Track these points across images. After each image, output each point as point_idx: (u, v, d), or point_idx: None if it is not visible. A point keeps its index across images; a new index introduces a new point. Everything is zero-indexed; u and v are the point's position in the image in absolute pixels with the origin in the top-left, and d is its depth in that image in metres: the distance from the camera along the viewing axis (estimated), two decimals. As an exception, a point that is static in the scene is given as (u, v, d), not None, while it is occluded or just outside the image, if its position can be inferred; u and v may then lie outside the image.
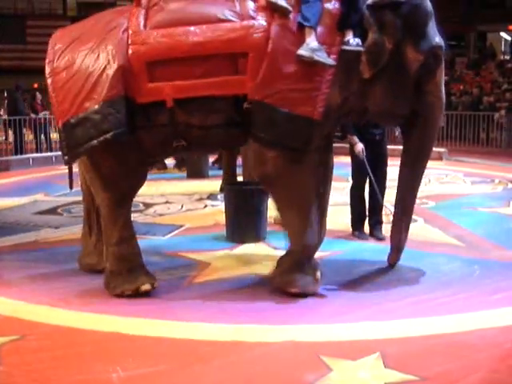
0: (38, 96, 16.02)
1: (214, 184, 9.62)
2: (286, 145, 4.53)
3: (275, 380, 3.53)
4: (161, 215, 7.86)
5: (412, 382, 3.45)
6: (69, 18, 24.74)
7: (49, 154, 14.49)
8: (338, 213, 7.65)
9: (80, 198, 8.81)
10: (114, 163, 4.75)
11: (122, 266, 4.80)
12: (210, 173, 11.14)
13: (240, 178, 8.45)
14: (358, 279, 5.19)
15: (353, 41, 4.56)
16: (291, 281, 4.74)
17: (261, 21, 4.57)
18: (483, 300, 4.68)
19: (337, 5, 4.66)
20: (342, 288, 4.93)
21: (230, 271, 5.37)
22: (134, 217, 7.56)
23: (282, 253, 5.36)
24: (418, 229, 6.76)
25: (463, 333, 4.12)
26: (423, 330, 4.15)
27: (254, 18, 4.60)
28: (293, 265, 4.77)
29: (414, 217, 7.19)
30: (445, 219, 7.45)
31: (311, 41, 4.47)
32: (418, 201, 8.35)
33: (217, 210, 7.85)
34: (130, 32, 4.65)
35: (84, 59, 4.64)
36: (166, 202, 8.63)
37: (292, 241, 4.85)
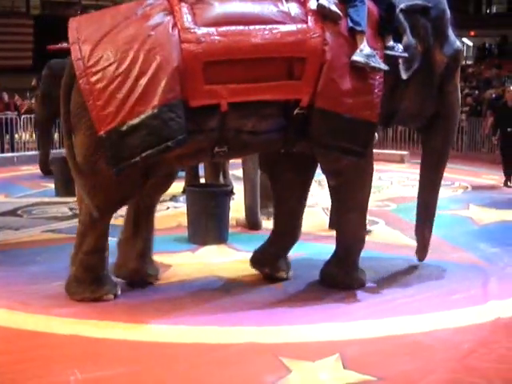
0: (5, 95, 15.75)
1: (176, 186, 9.54)
2: (348, 149, 4.59)
3: (235, 381, 3.54)
4: (122, 216, 7.77)
5: (370, 382, 3.49)
6: (32, 17, 24.42)
7: (10, 154, 14.27)
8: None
9: (40, 200, 8.80)
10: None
11: (87, 276, 4.65)
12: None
13: (202, 180, 8.44)
14: (317, 281, 5.18)
15: (397, 47, 4.68)
16: (358, 276, 5.03)
17: (314, 25, 4.48)
18: (441, 301, 4.75)
19: (375, 8, 4.74)
20: (302, 290, 4.96)
21: (191, 273, 5.35)
22: (95, 218, 7.57)
23: (245, 254, 5.38)
24: (378, 231, 6.83)
25: (421, 333, 4.17)
26: (382, 331, 4.20)
27: (305, 22, 4.49)
28: (353, 261, 5.04)
29: (375, 219, 7.33)
30: (405, 221, 7.49)
31: (364, 46, 4.51)
32: (379, 203, 8.55)
33: (179, 212, 7.81)
34: (180, 29, 4.29)
35: (129, 58, 4.20)
36: (128, 204, 8.55)
37: (350, 238, 5.04)
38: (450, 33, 5.15)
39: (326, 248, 6.19)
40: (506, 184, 10.67)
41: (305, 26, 4.46)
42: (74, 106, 4.46)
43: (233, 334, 4.12)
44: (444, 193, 9.96)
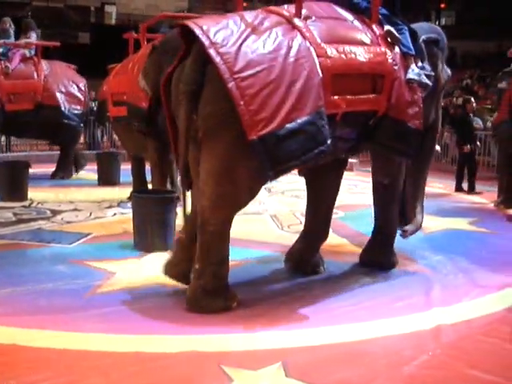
0: None
1: (125, 191, 9.48)
2: (404, 151, 5.40)
3: (175, 391, 3.49)
4: (68, 222, 7.67)
5: (312, 390, 3.48)
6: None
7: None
8: (251, 222, 7.68)
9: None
10: (252, 173, 4.48)
11: (220, 285, 4.63)
12: (122, 180, 10.96)
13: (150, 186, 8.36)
14: (262, 288, 5.21)
15: (427, 67, 5.51)
16: (395, 259, 5.98)
17: (386, 47, 5.18)
18: (385, 309, 4.78)
19: None
20: (245, 297, 4.89)
21: (135, 280, 5.27)
22: (40, 224, 7.45)
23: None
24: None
25: (365, 341, 4.19)
26: (325, 338, 4.20)
27: (379, 44, 5.16)
28: (389, 245, 5.94)
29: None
30: (352, 229, 7.59)
31: (414, 67, 5.31)
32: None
33: (126, 218, 7.66)
34: (311, 43, 4.66)
35: (278, 66, 4.39)
36: (75, 210, 8.43)
37: (392, 225, 5.97)
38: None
39: (270, 255, 6.22)
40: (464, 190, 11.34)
41: (382, 48, 5.14)
42: (218, 112, 4.38)
43: (174, 342, 4.06)
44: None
